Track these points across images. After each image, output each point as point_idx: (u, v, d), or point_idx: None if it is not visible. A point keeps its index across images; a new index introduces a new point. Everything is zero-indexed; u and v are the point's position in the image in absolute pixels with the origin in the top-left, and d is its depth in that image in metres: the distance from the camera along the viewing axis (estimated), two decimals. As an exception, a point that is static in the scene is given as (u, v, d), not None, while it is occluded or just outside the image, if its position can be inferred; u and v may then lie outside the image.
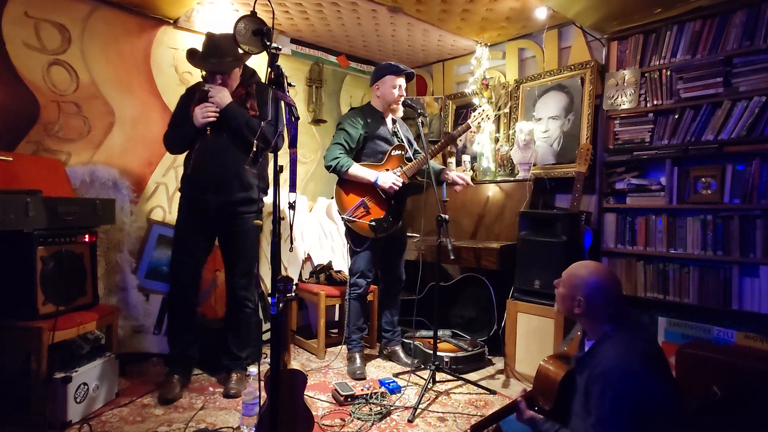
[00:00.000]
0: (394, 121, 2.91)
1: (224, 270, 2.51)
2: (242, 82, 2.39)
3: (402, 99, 2.80)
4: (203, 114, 2.24)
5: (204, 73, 2.35)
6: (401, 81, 2.79)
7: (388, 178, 2.68)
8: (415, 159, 2.83)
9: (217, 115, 2.26)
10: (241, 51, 2.26)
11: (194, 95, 2.36)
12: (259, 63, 3.45)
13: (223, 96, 2.26)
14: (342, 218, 2.76)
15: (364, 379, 2.69)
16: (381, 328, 3.07)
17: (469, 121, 2.87)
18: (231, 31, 2.06)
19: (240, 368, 2.49)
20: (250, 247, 2.45)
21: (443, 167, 3.04)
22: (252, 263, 2.50)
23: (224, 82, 2.30)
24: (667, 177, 2.65)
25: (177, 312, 2.44)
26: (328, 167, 2.74)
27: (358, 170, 2.70)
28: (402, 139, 2.86)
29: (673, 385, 1.41)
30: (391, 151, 2.78)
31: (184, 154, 2.44)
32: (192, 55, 2.33)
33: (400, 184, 2.70)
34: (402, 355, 2.97)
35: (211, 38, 2.32)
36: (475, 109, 2.96)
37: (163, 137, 2.43)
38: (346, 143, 2.73)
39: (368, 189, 2.73)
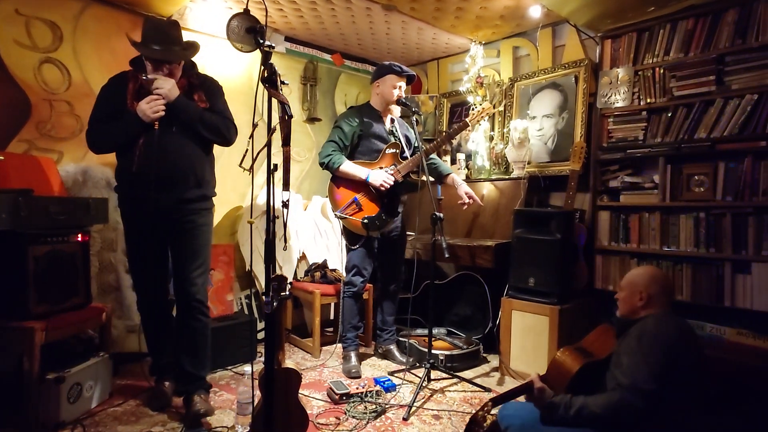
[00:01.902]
0: (392, 120, 2.90)
1: (174, 272, 2.21)
2: (183, 73, 2.18)
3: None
4: (153, 108, 2.00)
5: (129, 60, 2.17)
6: (402, 82, 2.79)
7: (380, 176, 2.68)
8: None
9: (165, 109, 2.04)
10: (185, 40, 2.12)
11: (125, 85, 2.09)
12: (252, 61, 3.44)
13: (172, 88, 2.04)
14: (335, 215, 2.76)
15: (360, 377, 2.69)
16: (377, 327, 3.07)
17: (467, 119, 2.85)
18: (223, 28, 2.06)
19: (202, 389, 2.17)
20: (204, 243, 2.22)
21: (451, 173, 2.97)
22: (207, 261, 2.25)
23: (170, 72, 2.08)
24: (660, 175, 2.66)
25: (152, 323, 2.30)
26: (321, 164, 2.75)
27: (350, 167, 2.70)
28: (399, 138, 2.86)
29: (700, 368, 1.47)
30: (385, 150, 2.78)
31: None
32: (137, 44, 2.10)
33: (392, 182, 2.70)
34: (397, 353, 2.97)
35: (152, 23, 2.12)
36: (469, 108, 2.94)
37: (90, 134, 2.11)
38: (340, 140, 2.74)
39: (361, 186, 2.73)
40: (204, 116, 2.12)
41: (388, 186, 2.69)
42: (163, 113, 2.03)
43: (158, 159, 2.03)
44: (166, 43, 2.06)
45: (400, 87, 2.78)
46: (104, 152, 2.22)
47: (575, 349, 1.73)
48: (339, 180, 2.76)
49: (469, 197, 2.83)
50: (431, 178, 2.73)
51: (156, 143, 2.03)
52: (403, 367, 2.82)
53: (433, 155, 2.99)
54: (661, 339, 1.43)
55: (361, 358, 2.95)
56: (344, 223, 2.75)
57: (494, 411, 2.11)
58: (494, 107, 3.47)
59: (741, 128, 2.39)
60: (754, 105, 2.35)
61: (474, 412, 1.67)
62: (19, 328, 1.99)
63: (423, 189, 3.04)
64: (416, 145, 2.95)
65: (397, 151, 2.81)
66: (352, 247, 2.80)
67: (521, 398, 1.71)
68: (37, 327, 1.99)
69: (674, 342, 1.43)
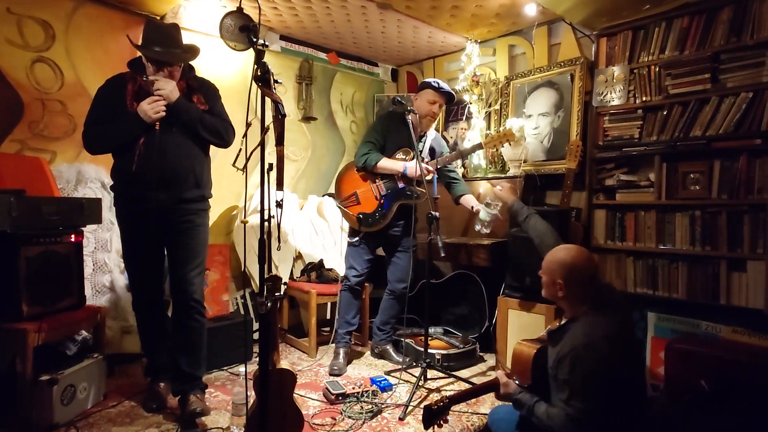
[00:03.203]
0: (424, 134, 2.87)
1: (171, 272, 2.21)
2: (181, 75, 2.19)
3: (436, 117, 2.81)
4: (155, 109, 2.02)
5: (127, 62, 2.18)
6: (440, 99, 2.79)
7: (413, 167, 2.69)
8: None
9: (166, 110, 2.06)
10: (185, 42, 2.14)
11: (123, 87, 2.10)
12: (247, 60, 3.42)
13: (173, 89, 2.07)
14: (335, 204, 2.85)
15: (340, 375, 2.71)
16: (375, 326, 3.03)
17: (482, 141, 2.89)
18: (217, 27, 2.05)
19: (198, 389, 2.18)
20: (202, 243, 2.23)
21: (465, 193, 2.93)
22: (204, 261, 2.26)
23: (170, 74, 2.10)
24: (655, 173, 2.66)
25: (147, 323, 2.30)
26: (357, 165, 2.79)
27: (387, 162, 2.75)
28: (420, 149, 2.80)
29: (636, 364, 1.58)
30: (395, 155, 2.79)
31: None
32: (139, 45, 2.11)
33: (430, 169, 2.71)
34: (393, 353, 2.96)
35: (154, 25, 2.13)
36: (466, 107, 2.96)
37: (87, 136, 2.11)
38: (377, 141, 2.80)
39: (365, 183, 2.78)
40: (204, 118, 2.15)
41: (426, 175, 2.66)
42: (164, 114, 2.04)
43: (159, 159, 2.05)
44: (167, 45, 2.08)
45: (437, 104, 2.78)
46: (102, 153, 2.21)
47: (531, 340, 1.80)
48: (347, 172, 2.83)
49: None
50: (428, 177, 2.71)
51: (157, 143, 2.04)
52: (400, 366, 2.82)
53: (458, 174, 3.01)
54: (594, 369, 1.45)
55: (356, 357, 2.94)
56: (342, 215, 2.81)
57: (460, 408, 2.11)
58: (489, 106, 3.47)
59: (736, 126, 2.39)
60: (749, 103, 2.35)
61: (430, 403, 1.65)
62: (11, 330, 1.97)
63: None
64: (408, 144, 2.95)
65: (407, 157, 2.79)
66: (350, 241, 2.84)
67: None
68: (29, 328, 1.97)
69: (605, 363, 1.45)
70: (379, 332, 3.02)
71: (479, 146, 2.87)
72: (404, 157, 2.79)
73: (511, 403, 1.67)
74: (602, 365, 1.44)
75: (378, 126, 2.88)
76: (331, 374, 2.71)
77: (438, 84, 2.78)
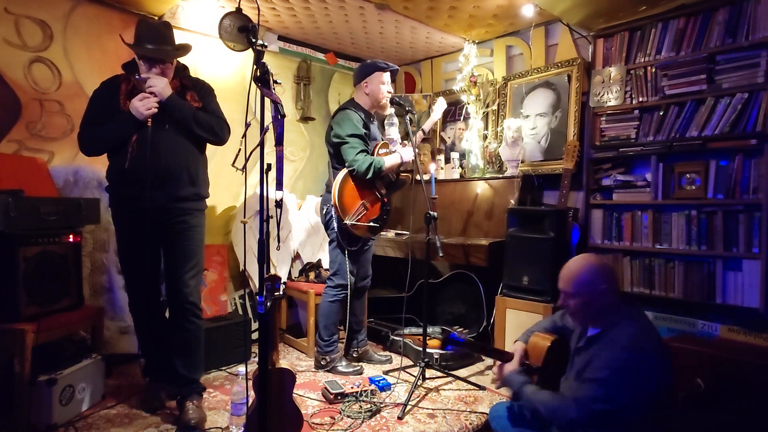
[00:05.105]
0: (373, 118, 2.90)
1: (166, 274, 2.20)
2: (175, 74, 2.19)
3: (390, 95, 2.79)
4: (146, 105, 2.00)
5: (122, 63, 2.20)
6: (388, 77, 2.80)
7: (408, 152, 2.72)
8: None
9: (158, 107, 2.05)
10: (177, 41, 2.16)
11: (117, 87, 2.10)
12: (245, 60, 3.42)
13: (165, 86, 2.06)
14: (346, 223, 2.61)
15: (362, 373, 2.73)
16: (351, 329, 2.92)
17: (432, 113, 2.99)
18: (216, 27, 2.06)
19: (195, 393, 2.17)
20: (198, 244, 2.21)
21: None
22: (201, 263, 2.25)
23: (163, 72, 2.09)
24: (652, 173, 2.68)
25: (144, 325, 2.28)
26: (366, 174, 2.60)
27: (389, 161, 2.70)
28: (382, 138, 2.85)
29: (671, 376, 1.51)
30: (378, 149, 2.78)
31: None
32: (130, 43, 2.11)
33: (415, 151, 2.73)
34: (375, 354, 2.96)
35: (146, 24, 2.13)
36: (463, 107, 2.99)
37: (82, 138, 2.11)
38: (365, 145, 2.69)
39: (364, 191, 2.71)
40: (197, 115, 2.13)
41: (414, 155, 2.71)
42: (156, 110, 2.03)
43: (152, 156, 2.02)
44: (158, 43, 2.07)
45: (388, 82, 2.79)
46: (96, 155, 2.18)
47: (547, 332, 1.90)
48: (345, 187, 2.66)
49: None
50: (425, 177, 2.73)
51: (149, 141, 2.02)
52: (391, 365, 2.82)
53: None
54: (635, 382, 1.39)
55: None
56: (351, 229, 2.64)
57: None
58: (486, 106, 3.48)
59: (731, 127, 2.41)
60: (744, 104, 2.37)
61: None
62: (9, 330, 1.97)
63: (416, 188, 3.03)
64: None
65: (388, 150, 2.80)
66: (353, 249, 2.73)
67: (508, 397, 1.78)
68: (27, 329, 1.97)
69: (650, 372, 1.40)
70: (355, 333, 2.94)
71: (432, 120, 3.03)
72: (386, 150, 2.79)
73: (512, 397, 1.73)
74: (644, 372, 1.41)
75: (352, 128, 2.67)
76: (354, 375, 2.71)
77: (385, 63, 2.78)
